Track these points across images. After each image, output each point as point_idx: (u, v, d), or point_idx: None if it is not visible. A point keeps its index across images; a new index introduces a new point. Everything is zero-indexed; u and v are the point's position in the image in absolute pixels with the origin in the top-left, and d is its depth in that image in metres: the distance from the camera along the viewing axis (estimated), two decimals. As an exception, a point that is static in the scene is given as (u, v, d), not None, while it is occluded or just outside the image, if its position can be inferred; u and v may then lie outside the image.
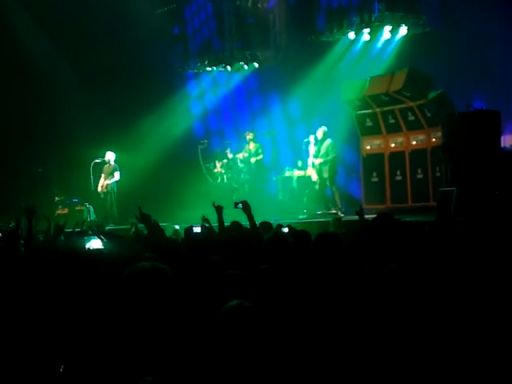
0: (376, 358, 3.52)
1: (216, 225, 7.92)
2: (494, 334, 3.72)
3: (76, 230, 8.00)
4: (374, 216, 7.48)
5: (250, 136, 17.34)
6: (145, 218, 6.66)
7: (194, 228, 7.59)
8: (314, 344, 3.67)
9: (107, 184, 16.62)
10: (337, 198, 16.13)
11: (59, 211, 17.18)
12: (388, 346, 3.59)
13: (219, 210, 7.68)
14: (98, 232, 7.30)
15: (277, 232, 6.66)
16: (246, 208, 7.15)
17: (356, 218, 8.22)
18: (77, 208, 17.41)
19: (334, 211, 15.71)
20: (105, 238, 6.35)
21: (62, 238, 7.09)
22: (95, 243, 6.15)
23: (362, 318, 3.91)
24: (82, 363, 3.51)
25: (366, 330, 3.77)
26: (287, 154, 18.68)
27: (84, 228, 10.20)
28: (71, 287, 4.16)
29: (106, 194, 16.61)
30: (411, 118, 15.86)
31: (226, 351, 3.28)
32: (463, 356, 3.45)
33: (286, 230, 7.66)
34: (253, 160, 17.11)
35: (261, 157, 17.16)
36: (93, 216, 16.89)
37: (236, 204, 7.37)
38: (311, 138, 16.07)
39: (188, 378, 3.22)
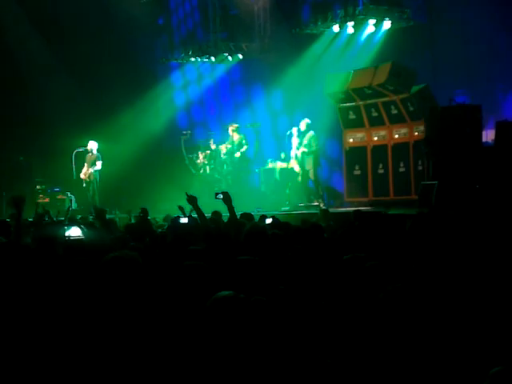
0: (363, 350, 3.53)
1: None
2: (477, 326, 3.75)
3: (59, 219, 7.97)
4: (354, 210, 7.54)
5: (233, 127, 17.31)
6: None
7: (180, 219, 7.55)
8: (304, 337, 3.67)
9: (90, 173, 16.53)
10: (319, 191, 16.18)
11: (41, 200, 17.09)
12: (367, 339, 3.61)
13: (193, 200, 7.48)
14: (82, 222, 7.29)
15: (254, 224, 6.64)
16: (227, 199, 7.12)
17: (338, 210, 8.26)
18: (58, 197, 17.35)
19: (317, 203, 15.76)
20: (86, 227, 6.34)
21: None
22: (74, 232, 6.12)
23: (347, 311, 3.91)
24: (67, 350, 3.50)
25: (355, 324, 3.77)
26: (270, 145, 18.69)
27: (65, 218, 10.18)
28: (51, 275, 4.15)
29: (88, 183, 16.54)
30: (394, 111, 15.89)
31: (217, 340, 3.25)
32: (450, 350, 3.46)
33: (269, 220, 7.66)
34: (237, 154, 17.06)
35: (245, 148, 17.12)
36: (74, 205, 16.81)
37: (216, 194, 7.34)
38: (294, 130, 16.10)
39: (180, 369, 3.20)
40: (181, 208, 8.28)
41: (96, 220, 6.59)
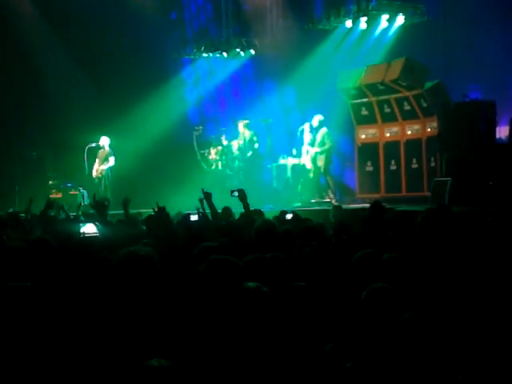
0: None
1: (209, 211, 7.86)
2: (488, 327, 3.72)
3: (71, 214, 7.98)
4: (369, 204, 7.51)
5: (243, 123, 17.26)
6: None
7: (191, 216, 7.56)
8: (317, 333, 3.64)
9: (102, 169, 16.60)
10: (331, 187, 16.14)
11: (53, 195, 17.12)
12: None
13: (208, 196, 7.57)
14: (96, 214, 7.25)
15: (265, 220, 6.62)
16: (243, 196, 7.13)
17: (350, 206, 8.23)
18: (71, 192, 17.38)
19: (328, 200, 15.73)
20: (100, 223, 6.33)
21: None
22: (89, 228, 6.13)
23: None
24: (79, 348, 3.49)
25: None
26: (282, 141, 18.63)
27: (79, 212, 10.20)
28: (68, 272, 4.15)
29: (100, 178, 16.60)
30: (407, 107, 15.85)
31: (240, 332, 3.21)
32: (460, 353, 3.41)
33: (289, 216, 7.67)
34: (249, 154, 17.01)
35: (257, 145, 17.09)
36: (87, 200, 16.84)
37: (232, 192, 7.34)
38: (306, 126, 16.05)
39: (199, 359, 3.18)
40: (201, 201, 8.27)
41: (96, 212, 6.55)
